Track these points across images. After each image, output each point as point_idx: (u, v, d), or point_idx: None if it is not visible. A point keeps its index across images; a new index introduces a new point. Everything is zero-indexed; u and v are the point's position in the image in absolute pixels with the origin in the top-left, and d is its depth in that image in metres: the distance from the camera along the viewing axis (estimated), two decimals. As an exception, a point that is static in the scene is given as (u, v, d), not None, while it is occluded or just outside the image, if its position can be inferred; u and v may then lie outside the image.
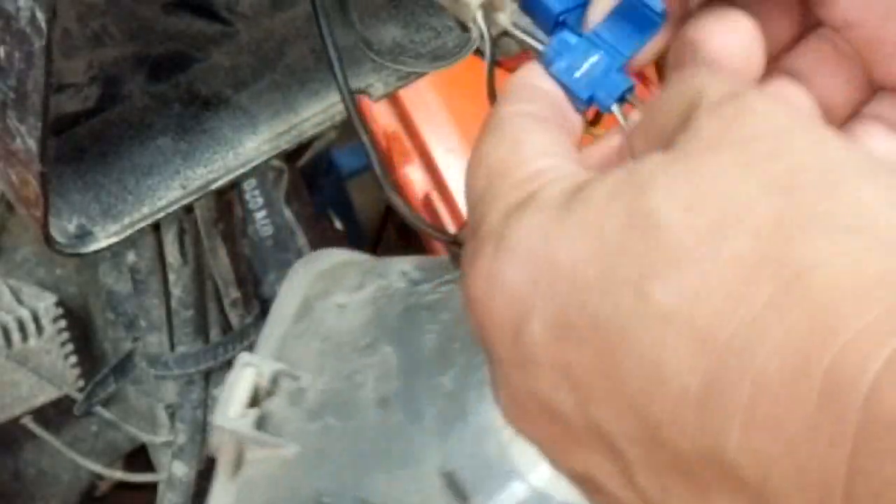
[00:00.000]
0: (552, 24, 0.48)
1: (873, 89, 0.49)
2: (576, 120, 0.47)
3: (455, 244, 0.61)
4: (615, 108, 0.47)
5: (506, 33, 0.53)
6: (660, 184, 0.38)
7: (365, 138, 0.55)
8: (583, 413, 0.38)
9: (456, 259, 0.96)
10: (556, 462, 0.41)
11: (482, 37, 0.51)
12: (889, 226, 0.36)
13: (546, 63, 0.47)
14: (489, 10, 0.52)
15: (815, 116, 0.41)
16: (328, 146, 1.65)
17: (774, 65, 0.49)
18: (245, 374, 0.99)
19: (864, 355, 0.33)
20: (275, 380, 1.01)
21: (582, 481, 0.40)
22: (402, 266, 1.08)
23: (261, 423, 0.98)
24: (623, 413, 0.37)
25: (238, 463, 0.98)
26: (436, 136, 1.24)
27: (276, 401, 1.00)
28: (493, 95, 0.50)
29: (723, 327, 0.35)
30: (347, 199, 1.77)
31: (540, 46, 0.49)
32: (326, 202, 1.69)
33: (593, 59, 0.47)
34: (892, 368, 0.32)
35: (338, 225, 1.70)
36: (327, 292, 1.07)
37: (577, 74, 0.47)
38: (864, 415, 0.32)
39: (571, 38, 0.48)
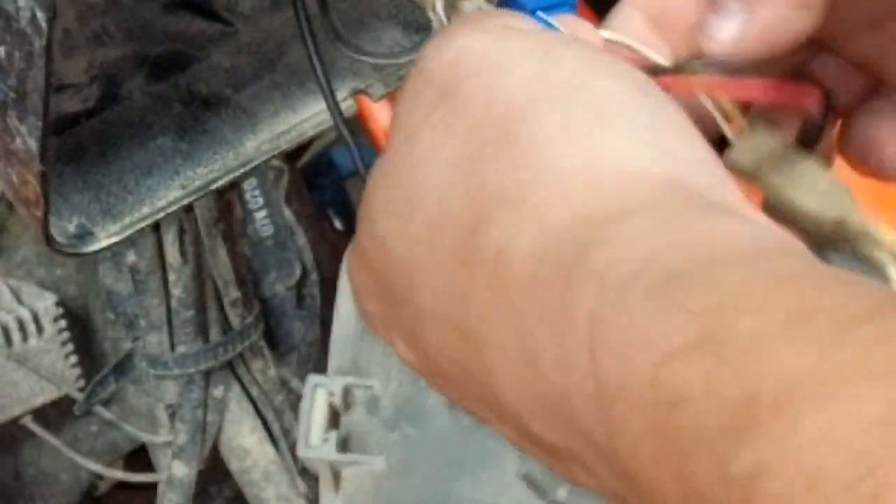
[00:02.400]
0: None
1: None
2: None
3: None
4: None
5: None
6: (378, 203, 0.39)
7: (351, 142, 0.55)
8: (464, 406, 0.40)
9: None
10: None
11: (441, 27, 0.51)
12: (567, 160, 0.35)
13: None
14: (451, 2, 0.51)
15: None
16: (328, 146, 1.64)
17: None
18: (318, 397, 1.00)
19: (569, 326, 0.33)
20: (348, 393, 1.02)
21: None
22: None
23: (345, 444, 0.98)
24: (472, 406, 0.39)
25: (336, 479, 1.00)
26: (436, 135, 1.24)
27: (355, 414, 1.00)
28: None
29: (464, 326, 0.36)
30: (347, 198, 1.76)
31: None
32: (326, 202, 1.68)
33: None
34: (596, 335, 0.32)
35: (337, 225, 1.70)
36: None
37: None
38: (594, 383, 0.32)
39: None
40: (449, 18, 0.51)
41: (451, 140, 0.37)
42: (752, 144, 0.44)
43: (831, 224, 0.43)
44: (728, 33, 0.43)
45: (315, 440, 0.97)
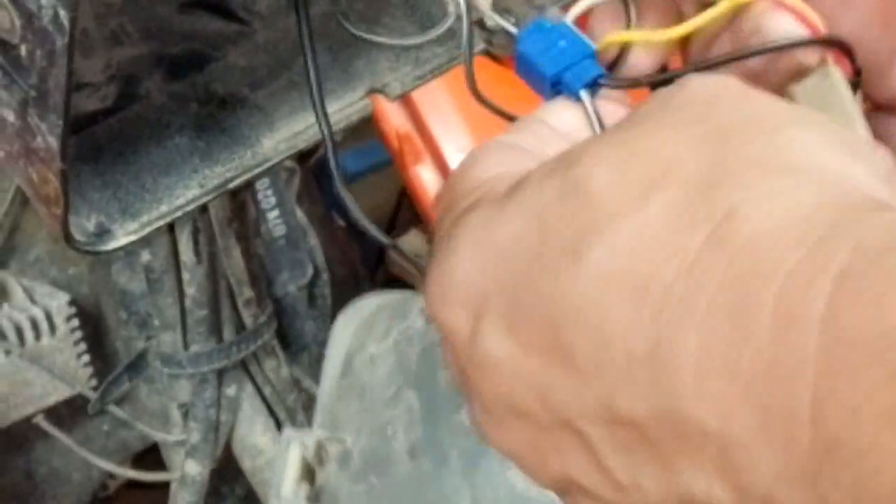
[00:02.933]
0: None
1: None
2: None
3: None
4: (583, 93, 0.46)
5: (479, 24, 0.52)
6: (590, 153, 0.38)
7: (332, 158, 0.56)
8: (544, 403, 0.37)
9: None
10: (537, 473, 0.40)
11: (460, 19, 0.51)
12: (824, 166, 0.36)
13: (518, 44, 0.47)
14: None
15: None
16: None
17: None
18: (291, 451, 1.00)
19: (809, 281, 0.32)
20: (321, 448, 1.01)
21: (564, 488, 0.39)
22: (421, 303, 1.07)
23: (316, 496, 0.99)
24: (578, 389, 0.36)
25: None
26: (447, 135, 1.24)
27: (329, 468, 1.01)
28: (472, 83, 0.49)
29: (661, 277, 0.34)
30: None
31: (514, 30, 0.48)
32: (330, 203, 1.69)
33: (563, 43, 0.47)
34: (844, 288, 0.31)
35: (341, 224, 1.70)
36: (363, 344, 1.07)
37: (546, 55, 0.46)
38: (823, 338, 0.31)
39: (546, 24, 0.47)
40: (468, 8, 0.51)
41: (696, 126, 0.37)
42: (816, 85, 0.44)
43: None
44: None
45: (287, 493, 0.98)
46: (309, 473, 1.01)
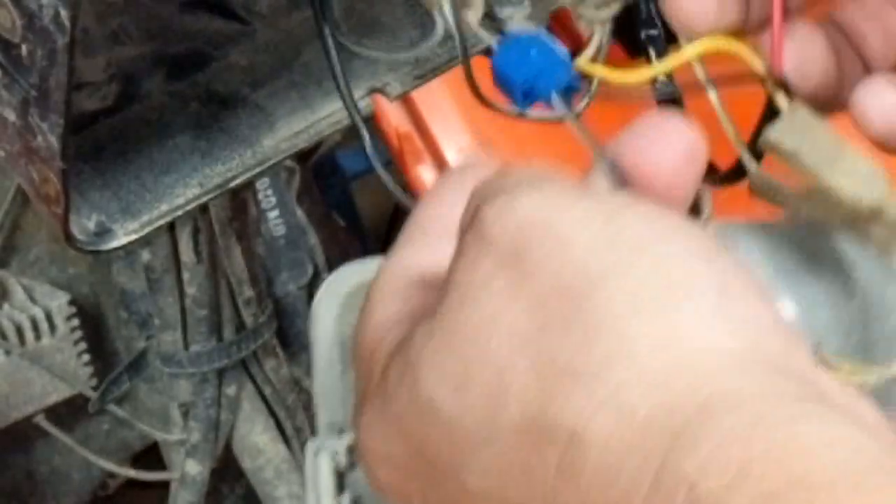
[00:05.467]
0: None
1: None
2: None
3: None
4: (555, 98, 0.45)
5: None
6: (427, 365, 0.38)
7: (368, 144, 0.55)
8: None
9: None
10: None
11: (450, 31, 0.50)
12: (645, 342, 0.34)
13: (494, 57, 0.46)
14: (459, 4, 0.50)
15: (576, 191, 0.38)
16: (333, 147, 1.65)
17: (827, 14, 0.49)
18: (322, 462, 0.97)
19: None
20: (351, 451, 0.99)
21: None
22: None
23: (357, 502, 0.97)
24: None
25: None
26: (448, 136, 1.24)
27: (361, 472, 0.98)
28: (475, 90, 0.49)
29: (531, 502, 0.35)
30: (351, 200, 1.77)
31: (495, 45, 0.48)
32: (330, 203, 1.69)
33: (534, 52, 0.46)
34: None
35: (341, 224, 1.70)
36: None
37: (518, 64, 0.45)
38: None
39: (522, 36, 0.47)
40: (457, 20, 0.51)
41: (514, 309, 0.36)
42: (793, 124, 0.44)
43: (867, 210, 0.42)
44: None
45: None
46: (340, 480, 0.98)
